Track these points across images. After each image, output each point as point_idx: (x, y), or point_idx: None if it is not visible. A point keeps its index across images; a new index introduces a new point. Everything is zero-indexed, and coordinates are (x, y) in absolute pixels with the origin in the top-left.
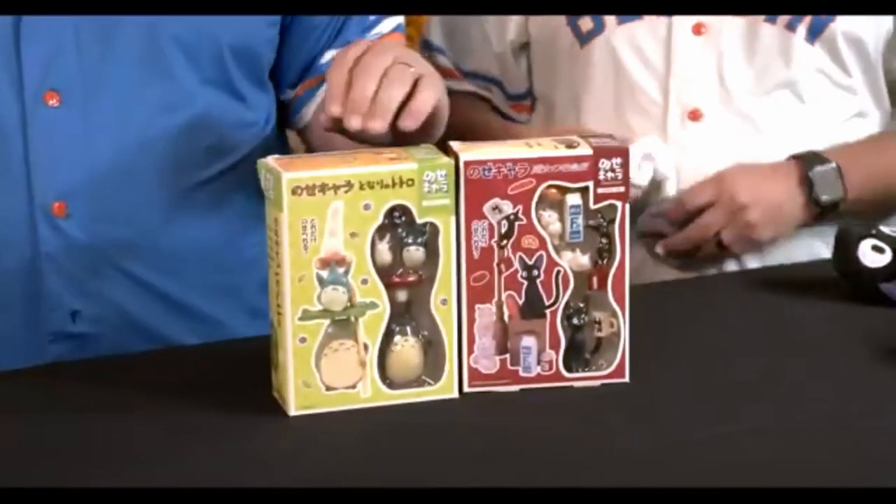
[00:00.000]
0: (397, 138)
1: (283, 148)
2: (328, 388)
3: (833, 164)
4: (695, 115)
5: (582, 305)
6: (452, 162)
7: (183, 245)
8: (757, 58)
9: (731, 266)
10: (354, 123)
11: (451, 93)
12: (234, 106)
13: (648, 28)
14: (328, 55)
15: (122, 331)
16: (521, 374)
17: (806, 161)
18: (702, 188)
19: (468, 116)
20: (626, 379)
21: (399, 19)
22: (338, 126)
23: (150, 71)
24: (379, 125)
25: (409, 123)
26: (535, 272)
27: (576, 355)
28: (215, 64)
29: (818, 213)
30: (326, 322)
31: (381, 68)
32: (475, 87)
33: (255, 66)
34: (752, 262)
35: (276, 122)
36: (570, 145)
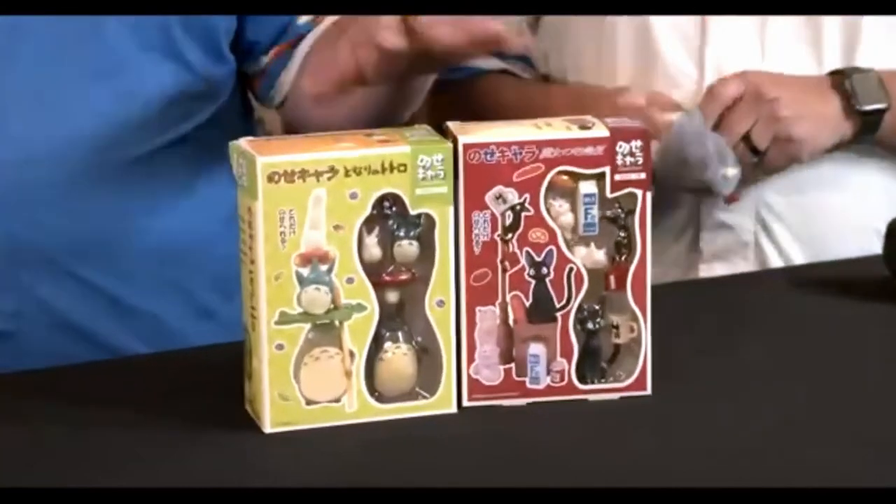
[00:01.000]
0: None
1: (245, 126)
2: (308, 402)
3: (873, 72)
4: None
5: (597, 308)
6: (450, 145)
7: (121, 233)
8: (804, 22)
9: (773, 261)
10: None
11: (478, 74)
12: (182, 77)
13: None
14: (305, 16)
15: (47, 329)
16: (529, 385)
17: (842, 72)
18: (730, 81)
19: (499, 98)
20: (648, 391)
21: None
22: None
23: (76, 29)
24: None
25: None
26: (544, 270)
27: (590, 364)
28: (159, 29)
29: (861, 125)
30: (307, 326)
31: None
32: (503, 62)
33: (208, 34)
34: (798, 258)
35: (241, 101)
36: (583, 126)
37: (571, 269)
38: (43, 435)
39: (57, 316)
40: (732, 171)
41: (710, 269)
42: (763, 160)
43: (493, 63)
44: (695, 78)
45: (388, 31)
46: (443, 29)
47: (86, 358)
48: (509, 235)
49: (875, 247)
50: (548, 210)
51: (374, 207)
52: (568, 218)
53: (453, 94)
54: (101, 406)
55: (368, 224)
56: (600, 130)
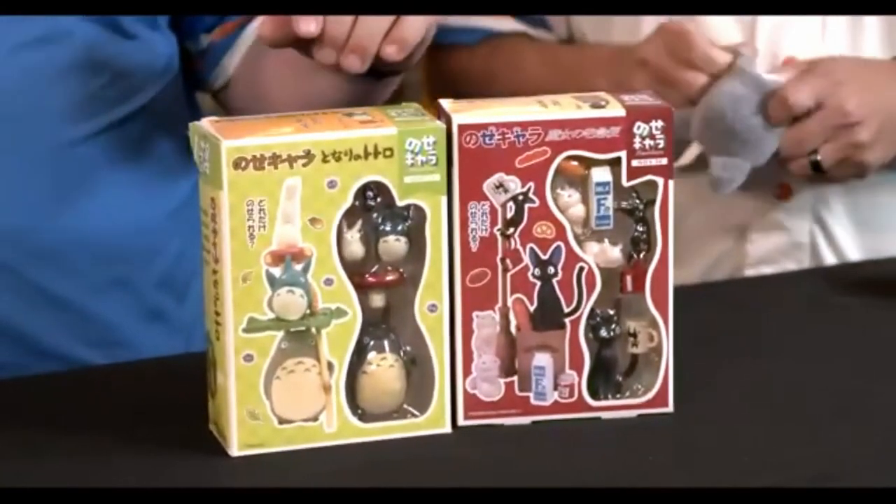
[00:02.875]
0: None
1: (191, 112)
2: (281, 421)
3: None
4: (789, 64)
5: (612, 313)
6: (444, 126)
7: (56, 225)
8: None
9: (805, 260)
10: (328, 57)
11: (490, 36)
12: (123, 44)
13: None
14: None
15: None
16: (533, 402)
17: None
18: (805, 84)
19: (518, 61)
20: (670, 408)
21: None
22: (285, 41)
23: None
24: (358, 63)
25: (392, 52)
26: (551, 269)
27: (604, 378)
28: None
29: None
30: (279, 334)
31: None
32: (520, 23)
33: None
34: (829, 258)
35: (185, 84)
36: (596, 104)
37: (582, 269)
38: None
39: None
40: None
41: (758, 273)
42: (820, 173)
43: (506, 24)
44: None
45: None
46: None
47: (25, 363)
48: (511, 230)
49: None
50: (555, 201)
51: (356, 198)
52: (578, 210)
53: (459, 62)
54: (45, 428)
55: (349, 217)
56: (616, 109)
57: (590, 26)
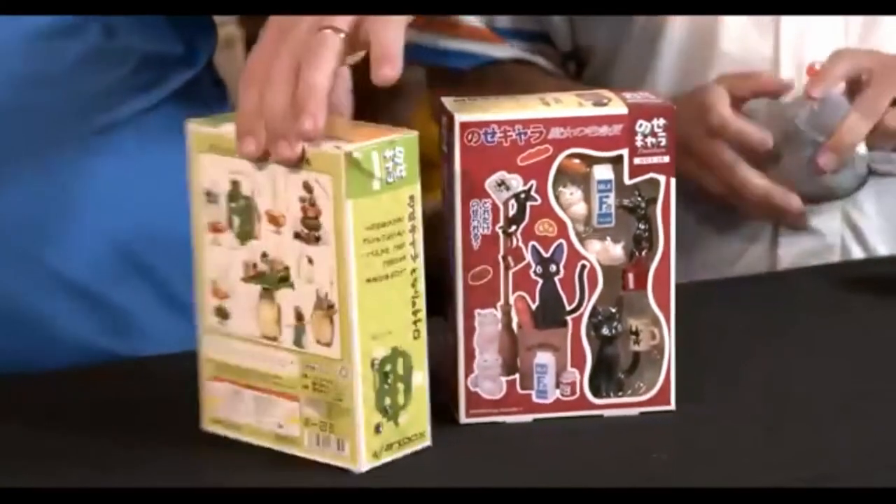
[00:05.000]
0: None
1: (219, 101)
2: None
3: None
4: (814, 73)
5: (614, 311)
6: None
7: (80, 212)
8: None
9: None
10: (282, 150)
11: (489, 64)
12: (151, 30)
13: None
14: None
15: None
16: (535, 399)
17: None
18: (851, 57)
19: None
20: (672, 406)
21: None
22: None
23: None
24: (289, 152)
25: (388, 71)
26: (553, 267)
27: (606, 376)
28: None
29: None
30: None
31: (291, 55)
32: (520, 50)
33: None
34: (855, 251)
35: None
36: (598, 102)
37: (584, 267)
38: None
39: (14, 304)
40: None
41: None
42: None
43: (505, 51)
44: (771, 59)
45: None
46: None
47: (41, 351)
48: (513, 228)
49: None
50: (557, 199)
51: None
52: (580, 208)
53: (458, 89)
54: (62, 429)
55: None
56: (618, 107)
57: (603, 36)
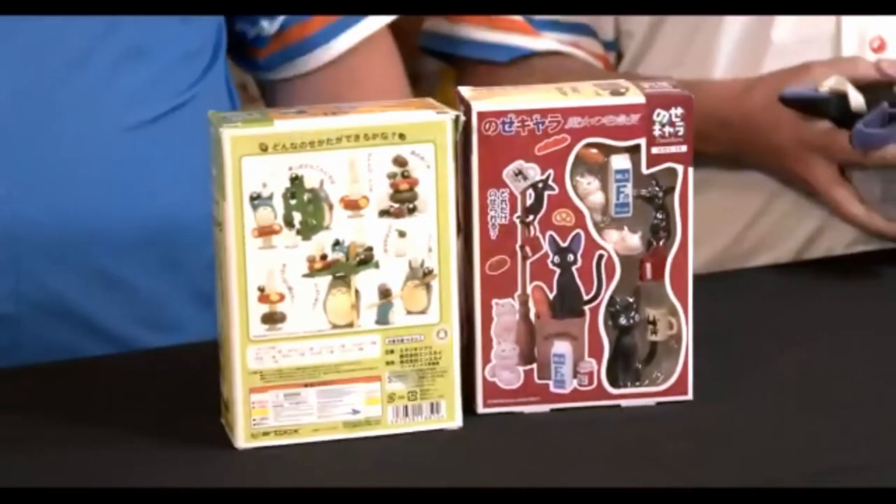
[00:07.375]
0: None
1: (230, 97)
2: None
3: None
4: (879, 47)
5: (631, 300)
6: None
7: (115, 206)
8: None
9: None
10: None
11: (525, 57)
12: (176, 30)
13: None
14: None
15: (40, 310)
16: (553, 389)
17: None
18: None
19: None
20: (690, 396)
21: None
22: None
23: None
24: None
25: None
26: (571, 257)
27: (623, 365)
28: None
29: None
30: None
31: None
32: (557, 42)
33: None
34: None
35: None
36: (616, 91)
37: (602, 256)
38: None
39: (50, 296)
40: None
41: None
42: None
43: (542, 43)
44: (832, 34)
45: None
46: None
47: (82, 343)
48: (530, 217)
49: None
50: (574, 188)
51: None
52: (598, 197)
53: (489, 80)
54: (94, 415)
55: None
56: (635, 96)
57: (639, 26)
